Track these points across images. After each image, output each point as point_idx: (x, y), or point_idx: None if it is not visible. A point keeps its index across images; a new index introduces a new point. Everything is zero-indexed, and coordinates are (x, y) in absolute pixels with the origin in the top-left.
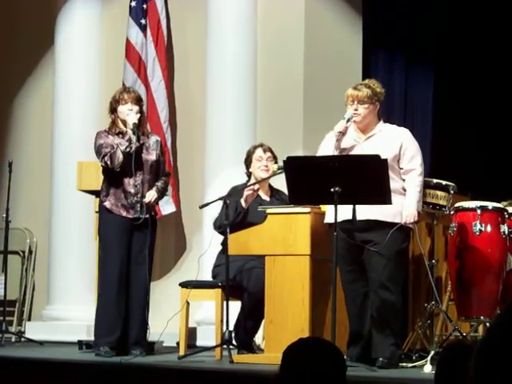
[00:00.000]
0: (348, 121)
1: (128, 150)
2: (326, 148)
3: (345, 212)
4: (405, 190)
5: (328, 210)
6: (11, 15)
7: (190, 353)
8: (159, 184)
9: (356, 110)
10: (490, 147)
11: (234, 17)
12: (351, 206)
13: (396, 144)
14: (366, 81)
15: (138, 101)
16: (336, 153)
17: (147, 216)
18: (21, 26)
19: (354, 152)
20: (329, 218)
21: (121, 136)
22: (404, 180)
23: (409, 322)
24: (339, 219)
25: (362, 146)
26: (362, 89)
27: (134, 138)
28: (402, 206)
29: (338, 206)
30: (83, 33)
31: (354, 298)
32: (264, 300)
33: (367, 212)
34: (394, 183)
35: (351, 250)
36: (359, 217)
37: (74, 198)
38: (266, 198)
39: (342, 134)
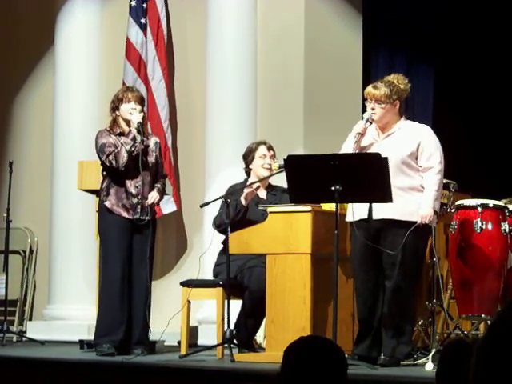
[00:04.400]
0: (367, 121)
1: (133, 149)
2: (346, 149)
3: (361, 211)
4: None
5: (349, 209)
6: (11, 15)
7: (191, 352)
8: (159, 185)
9: (373, 109)
10: (491, 145)
11: (234, 16)
12: (367, 205)
13: (414, 141)
14: (391, 76)
15: (141, 101)
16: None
17: (149, 218)
18: (21, 26)
19: (372, 151)
20: (349, 217)
21: (123, 136)
22: (423, 177)
23: None
24: (356, 218)
25: (380, 145)
26: (380, 87)
27: (138, 138)
28: (419, 204)
29: (353, 205)
30: (83, 32)
31: (366, 294)
32: (265, 299)
33: (383, 211)
34: (411, 180)
35: (367, 248)
36: (375, 216)
37: (75, 198)
38: (262, 195)
39: (361, 135)
